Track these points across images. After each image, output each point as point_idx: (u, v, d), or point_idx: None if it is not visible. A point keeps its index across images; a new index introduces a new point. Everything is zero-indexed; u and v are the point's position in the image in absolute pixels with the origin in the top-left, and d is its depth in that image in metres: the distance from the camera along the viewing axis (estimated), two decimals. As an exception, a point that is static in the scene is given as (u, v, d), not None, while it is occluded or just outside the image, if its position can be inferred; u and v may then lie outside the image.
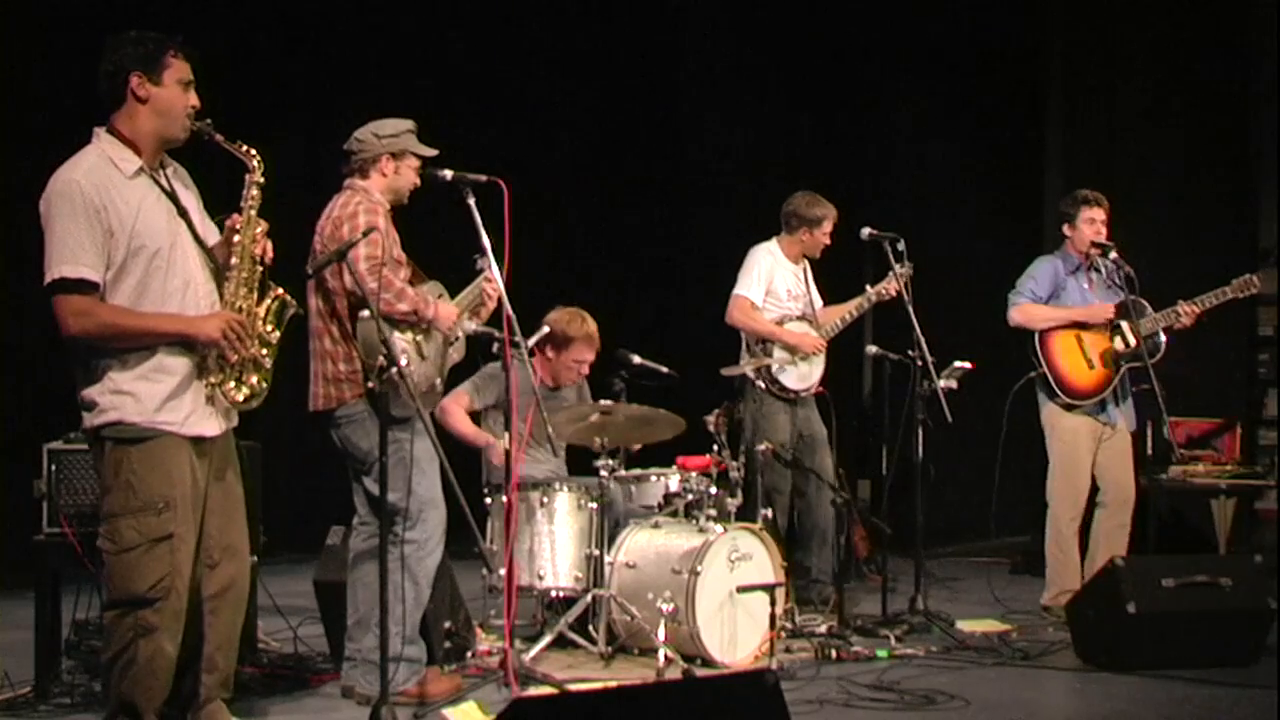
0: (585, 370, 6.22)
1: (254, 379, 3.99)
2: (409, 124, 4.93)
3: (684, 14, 9.87)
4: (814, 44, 9.78)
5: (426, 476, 4.77)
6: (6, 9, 7.09)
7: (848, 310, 6.83)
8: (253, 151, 4.03)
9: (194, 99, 3.98)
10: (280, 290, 4.06)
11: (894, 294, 6.59)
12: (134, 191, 3.88)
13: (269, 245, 4.06)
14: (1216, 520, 7.54)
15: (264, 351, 4.01)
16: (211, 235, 4.09)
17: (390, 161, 4.87)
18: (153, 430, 3.85)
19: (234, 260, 4.01)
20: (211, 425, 3.98)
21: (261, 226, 4.04)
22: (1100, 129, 9.24)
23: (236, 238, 4.02)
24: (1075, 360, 6.49)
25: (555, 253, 8.94)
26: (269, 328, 4.03)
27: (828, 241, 6.82)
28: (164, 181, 3.99)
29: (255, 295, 4.01)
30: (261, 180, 4.04)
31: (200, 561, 4.00)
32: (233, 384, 3.96)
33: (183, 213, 3.99)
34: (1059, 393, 6.46)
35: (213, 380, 3.94)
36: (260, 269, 4.03)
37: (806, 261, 6.88)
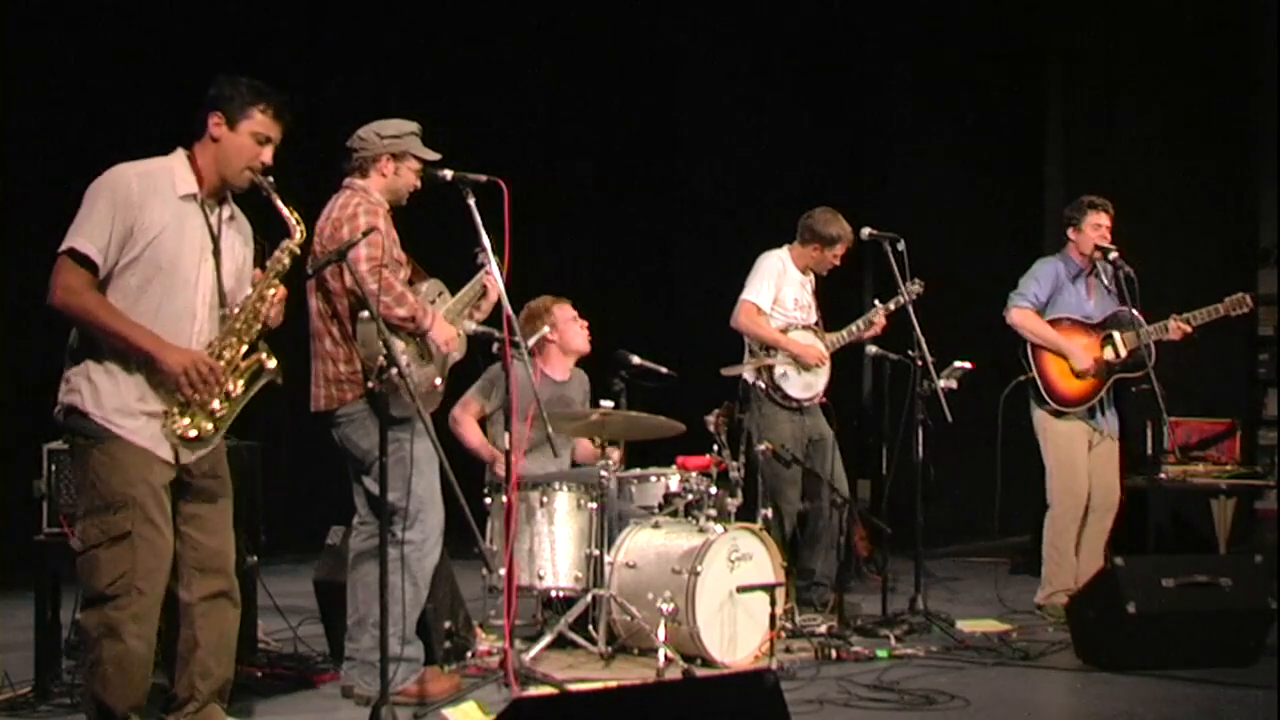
0: (585, 327, 6.27)
1: (204, 424, 3.95)
2: (413, 126, 4.91)
3: (684, 15, 9.88)
4: (814, 44, 9.79)
5: (425, 477, 4.76)
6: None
7: (854, 326, 6.80)
8: (299, 220, 4.08)
9: (267, 155, 4.04)
10: (265, 355, 4.02)
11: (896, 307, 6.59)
12: (171, 210, 3.93)
13: (280, 312, 4.08)
14: (1216, 520, 7.55)
15: (220, 404, 3.97)
16: (243, 291, 4.09)
17: (390, 162, 4.86)
18: (107, 431, 3.87)
19: (235, 309, 4.02)
20: (168, 450, 3.94)
21: (279, 291, 4.06)
22: (1100, 129, 9.25)
23: (249, 290, 4.05)
24: (1064, 367, 6.51)
25: (555, 253, 8.95)
26: (236, 383, 4.00)
27: (837, 263, 6.77)
28: (212, 218, 4.03)
29: (242, 350, 4.00)
30: (296, 250, 4.08)
31: (187, 566, 4.00)
32: (180, 419, 3.93)
33: (217, 253, 4.02)
34: (1047, 399, 6.50)
35: (165, 408, 3.93)
36: (259, 327, 4.03)
37: (813, 274, 6.87)
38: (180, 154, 4.03)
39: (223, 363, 3.95)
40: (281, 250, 4.07)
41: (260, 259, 4.16)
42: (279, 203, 4.05)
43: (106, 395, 3.88)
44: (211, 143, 4.02)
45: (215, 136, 4.01)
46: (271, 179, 4.05)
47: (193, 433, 3.94)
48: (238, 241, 4.13)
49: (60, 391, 3.95)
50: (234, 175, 4.03)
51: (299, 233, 4.07)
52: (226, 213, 4.10)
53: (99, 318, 3.85)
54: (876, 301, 6.77)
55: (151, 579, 3.89)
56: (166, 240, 3.90)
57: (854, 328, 6.79)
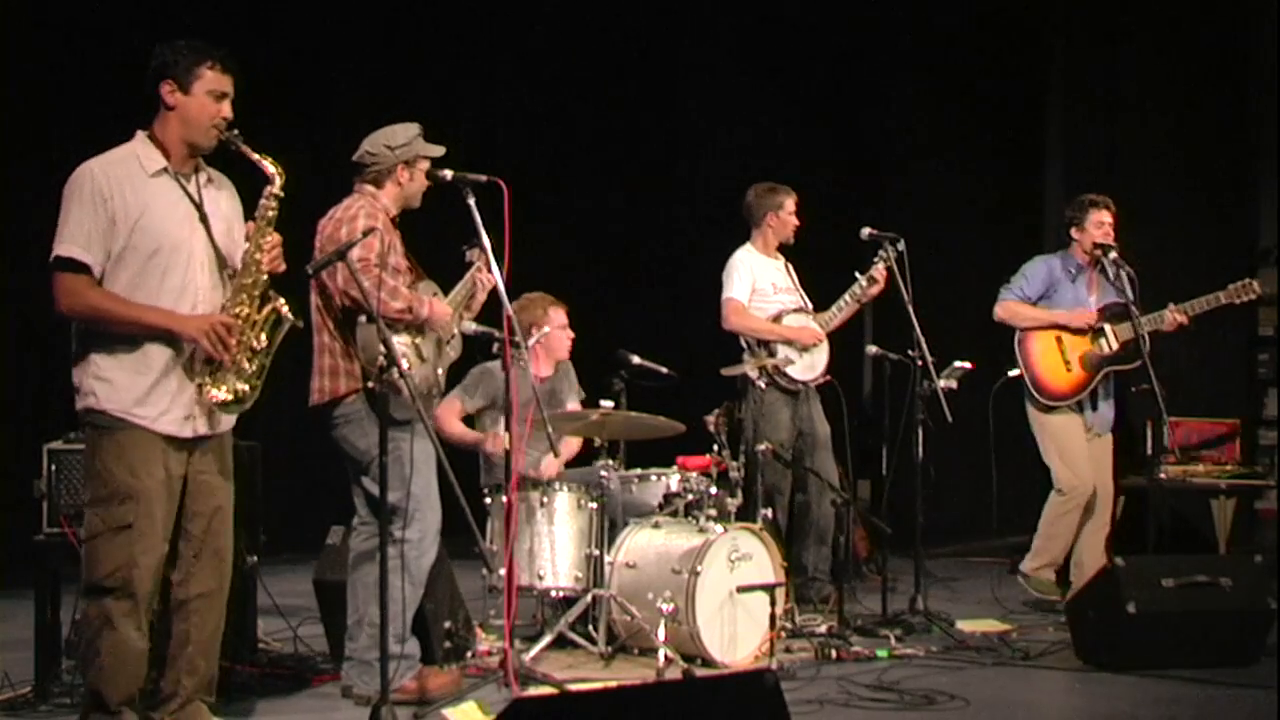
0: (571, 334, 6.27)
1: (237, 384, 4.00)
2: (416, 128, 4.95)
3: (683, 14, 9.87)
4: (814, 44, 9.78)
5: (421, 475, 4.77)
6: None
7: (842, 301, 6.79)
8: (275, 165, 4.08)
9: (226, 110, 4.04)
10: (280, 303, 4.06)
11: (883, 276, 6.54)
12: (148, 189, 3.96)
13: (280, 257, 4.09)
14: (1216, 520, 7.55)
15: (249, 359, 4.01)
16: (239, 248, 4.11)
17: (405, 170, 4.91)
18: (123, 422, 3.91)
19: (236, 267, 4.05)
20: (187, 427, 3.99)
21: (274, 238, 4.07)
22: (1100, 129, 9.24)
23: (245, 245, 4.06)
24: (1053, 361, 6.53)
25: (555, 253, 8.93)
26: (260, 337, 4.04)
27: (795, 221, 6.80)
28: (191, 186, 4.04)
29: (255, 304, 4.03)
30: (280, 193, 4.08)
31: (186, 561, 4.03)
32: (213, 386, 3.97)
33: (204, 219, 4.03)
34: (1035, 394, 6.51)
35: (196, 380, 3.97)
36: (265, 279, 4.05)
37: (784, 259, 6.87)
38: (140, 136, 4.04)
39: (239, 320, 3.98)
40: (266, 197, 4.07)
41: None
42: (251, 153, 4.05)
43: (122, 388, 3.91)
44: (169, 112, 4.02)
45: (171, 105, 4.01)
46: (236, 131, 4.04)
47: (229, 396, 3.98)
48: (223, 200, 4.15)
49: (76, 400, 3.97)
50: (200, 137, 4.02)
51: (278, 177, 4.07)
52: (204, 178, 4.11)
53: (108, 310, 3.90)
54: (857, 274, 6.73)
55: (147, 573, 3.93)
56: (150, 221, 3.92)
57: (842, 302, 6.75)
